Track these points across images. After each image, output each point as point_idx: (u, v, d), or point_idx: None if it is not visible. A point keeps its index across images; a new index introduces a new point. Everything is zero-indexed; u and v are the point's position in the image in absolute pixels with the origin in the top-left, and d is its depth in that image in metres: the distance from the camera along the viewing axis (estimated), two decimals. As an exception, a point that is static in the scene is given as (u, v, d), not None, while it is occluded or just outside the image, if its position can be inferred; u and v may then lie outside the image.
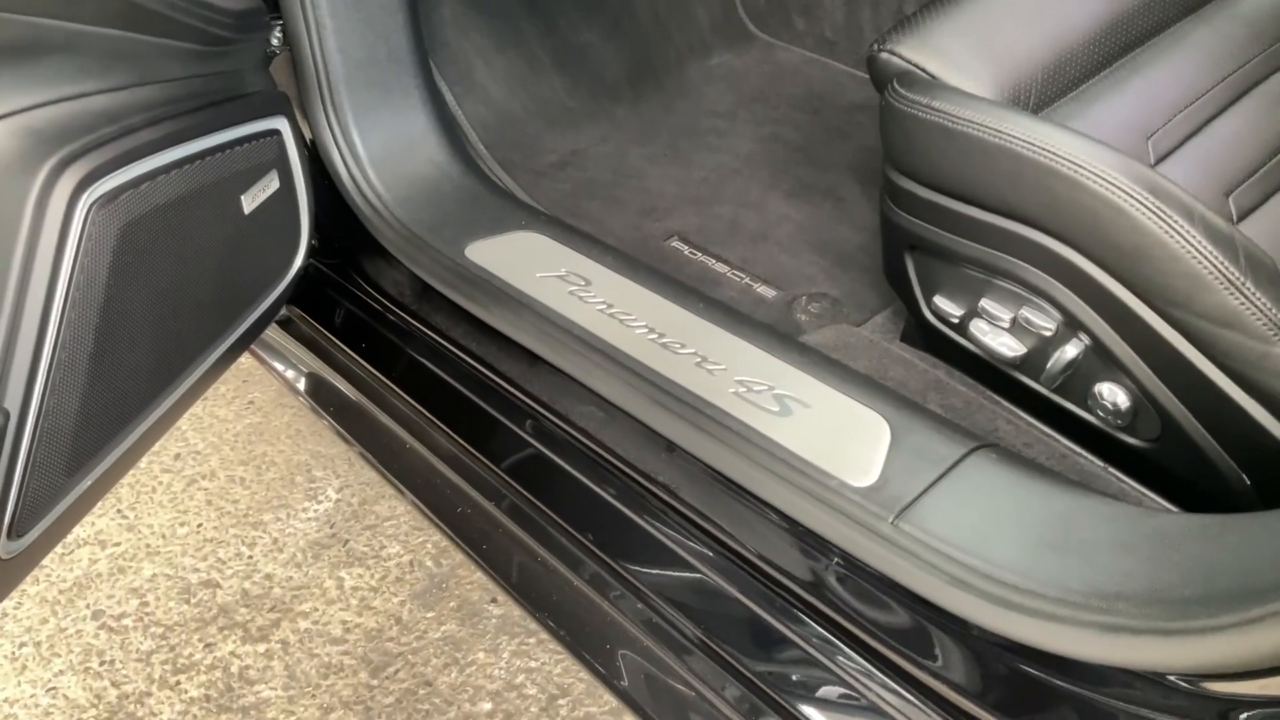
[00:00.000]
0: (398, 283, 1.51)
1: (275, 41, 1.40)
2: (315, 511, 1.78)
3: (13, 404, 0.90)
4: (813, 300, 1.45)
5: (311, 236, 1.31)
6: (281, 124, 1.17)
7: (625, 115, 1.86)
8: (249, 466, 1.87)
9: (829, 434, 1.08)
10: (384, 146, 1.47)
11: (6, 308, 0.89)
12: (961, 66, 1.17)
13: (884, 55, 1.20)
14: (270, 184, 1.15)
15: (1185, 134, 1.19)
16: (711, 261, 1.55)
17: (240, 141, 1.09)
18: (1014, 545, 0.94)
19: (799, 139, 1.76)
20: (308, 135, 1.47)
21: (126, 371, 1.00)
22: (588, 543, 1.24)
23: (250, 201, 1.11)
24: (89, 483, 1.04)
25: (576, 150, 1.79)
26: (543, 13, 1.84)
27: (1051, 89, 1.20)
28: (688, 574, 1.16)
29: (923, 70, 1.17)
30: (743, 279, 1.51)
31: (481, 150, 1.75)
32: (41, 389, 0.91)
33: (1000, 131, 1.01)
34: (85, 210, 0.92)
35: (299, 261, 1.27)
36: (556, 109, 1.84)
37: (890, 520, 0.98)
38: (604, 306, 1.28)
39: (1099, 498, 0.96)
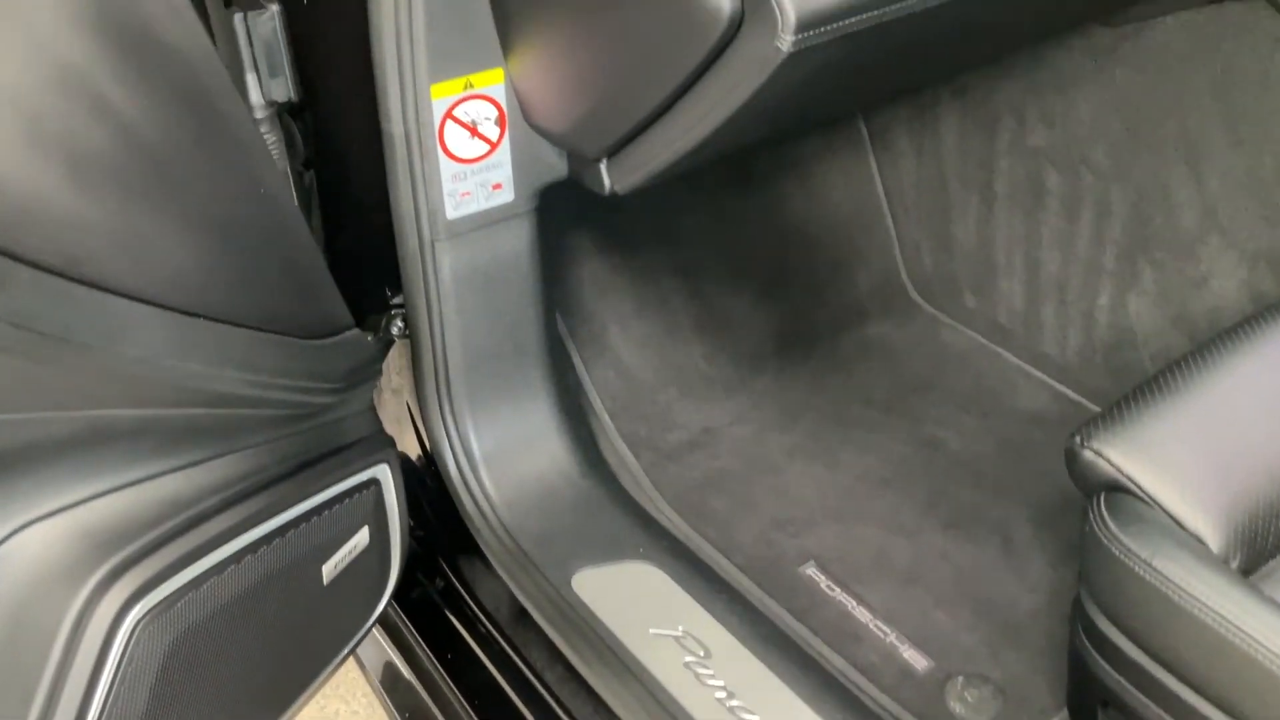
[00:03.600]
0: (495, 596, 1.35)
1: (395, 331, 1.29)
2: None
3: None
4: (970, 684, 1.23)
5: (402, 564, 1.17)
6: (382, 472, 1.03)
7: (766, 389, 1.69)
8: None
9: None
10: (499, 443, 1.33)
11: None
12: (1186, 489, 0.96)
13: (1088, 455, 1.01)
14: (359, 543, 1.01)
15: None
16: (852, 603, 1.34)
17: (331, 504, 0.95)
18: None
19: (963, 449, 1.55)
20: (419, 427, 1.34)
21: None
22: None
23: (332, 570, 0.97)
24: None
25: (709, 428, 1.63)
26: (690, 277, 1.70)
27: (1301, 523, 0.98)
28: None
29: (1136, 487, 0.97)
30: (887, 636, 1.30)
31: (606, 422, 1.60)
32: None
33: (1249, 636, 0.80)
34: (130, 629, 0.79)
35: (381, 606, 1.12)
36: (692, 377, 1.68)
37: None
38: (725, 694, 1.10)
39: None
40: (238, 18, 1.09)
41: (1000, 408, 1.62)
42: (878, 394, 1.67)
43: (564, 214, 1.46)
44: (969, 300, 1.76)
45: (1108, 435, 1.01)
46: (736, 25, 0.88)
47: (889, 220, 1.84)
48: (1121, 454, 0.99)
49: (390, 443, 1.05)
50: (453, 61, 1.07)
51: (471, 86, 1.10)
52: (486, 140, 1.14)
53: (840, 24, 0.86)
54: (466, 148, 1.14)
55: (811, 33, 0.85)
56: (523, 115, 1.14)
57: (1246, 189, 1.39)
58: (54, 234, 0.70)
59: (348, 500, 0.97)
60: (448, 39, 1.06)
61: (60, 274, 0.70)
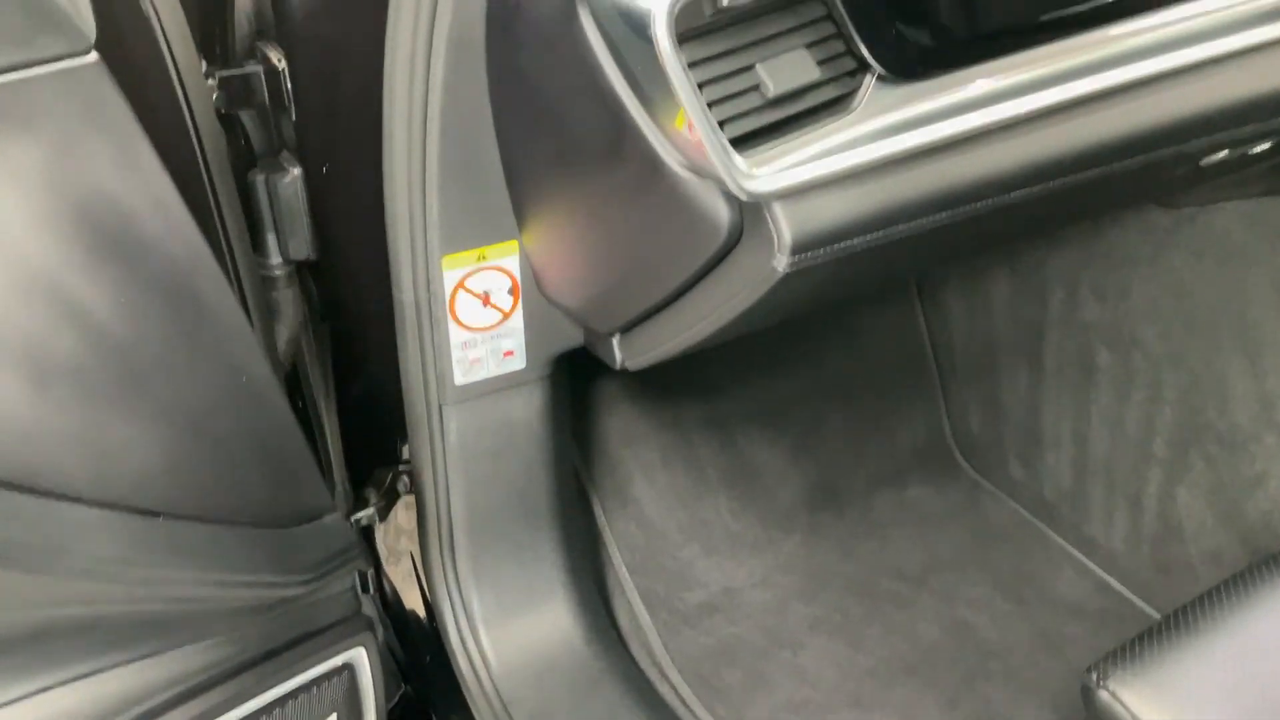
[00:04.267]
0: (485, 767, 1.30)
1: (402, 487, 1.27)
2: None
3: None
4: None
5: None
6: (358, 657, 1.00)
7: (794, 550, 1.63)
8: None
9: None
10: (502, 606, 1.29)
11: None
12: (1209, 748, 0.88)
13: (1104, 696, 0.93)
14: (323, 733, 0.97)
15: None
16: (859, 808, 1.26)
17: (296, 693, 0.92)
18: None
19: (996, 638, 1.47)
20: (423, 584, 1.31)
21: None
22: None
23: (290, 768, 0.93)
24: None
25: (730, 589, 1.57)
26: (721, 428, 1.66)
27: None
28: None
29: (1155, 741, 0.89)
30: None
31: (624, 577, 1.55)
32: None
33: None
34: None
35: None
36: (717, 533, 1.63)
37: None
38: None
39: None
40: (259, 180, 1.10)
41: (1039, 593, 1.53)
42: (911, 566, 1.60)
43: (591, 361, 1.44)
44: (1015, 469, 1.68)
45: (1127, 676, 0.94)
46: (737, 236, 0.85)
47: (936, 377, 1.78)
48: (1141, 700, 0.92)
49: (369, 624, 1.02)
50: (465, 235, 1.06)
51: (484, 259, 1.09)
52: (499, 309, 1.13)
53: (843, 245, 0.82)
54: (478, 316, 1.12)
55: (810, 254, 0.81)
56: (536, 286, 1.13)
57: (1308, 388, 1.31)
58: (6, 446, 0.68)
59: (315, 689, 0.94)
60: (461, 214, 1.05)
61: (8, 485, 0.68)
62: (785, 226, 0.80)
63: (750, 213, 0.83)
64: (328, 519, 0.94)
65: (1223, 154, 1.07)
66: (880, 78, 0.81)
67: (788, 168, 0.78)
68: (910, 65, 0.82)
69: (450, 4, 0.92)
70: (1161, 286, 1.42)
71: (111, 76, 0.72)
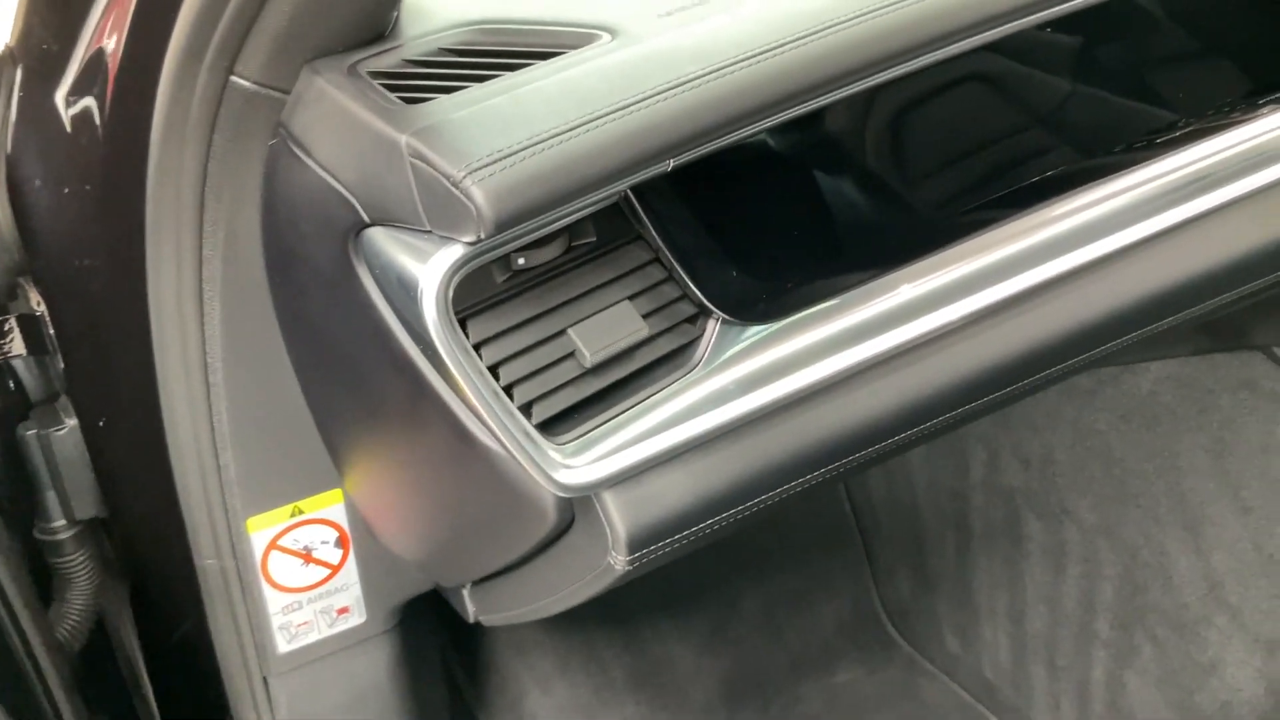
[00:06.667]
0: None
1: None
2: None
3: None
4: None
5: None
6: None
7: (715, 758, 1.46)
8: None
9: None
10: None
11: None
12: None
13: None
14: None
15: None
16: None
17: None
18: None
19: None
20: None
21: None
22: None
23: None
24: None
25: (644, 813, 1.39)
26: (623, 624, 1.49)
27: None
28: None
29: None
30: None
31: (519, 814, 1.36)
32: None
33: None
34: None
35: None
36: (628, 745, 1.45)
37: None
38: None
39: None
40: (30, 436, 0.93)
41: (984, 794, 1.37)
42: (843, 769, 1.43)
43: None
44: (951, 643, 1.53)
45: None
46: (569, 519, 0.70)
47: (860, 542, 1.63)
48: None
49: None
50: (274, 491, 0.90)
51: (301, 513, 0.92)
52: (325, 564, 0.96)
53: (696, 530, 0.67)
54: (299, 576, 0.95)
55: (655, 548, 0.66)
56: (371, 535, 0.96)
57: (1256, 565, 1.18)
58: None
59: None
60: (266, 469, 0.88)
61: None
62: (619, 521, 0.64)
63: (580, 498, 0.67)
64: None
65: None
66: (724, 322, 0.67)
67: (615, 449, 0.63)
68: (759, 304, 0.68)
69: (219, 242, 0.77)
70: (1088, 452, 1.29)
71: None
